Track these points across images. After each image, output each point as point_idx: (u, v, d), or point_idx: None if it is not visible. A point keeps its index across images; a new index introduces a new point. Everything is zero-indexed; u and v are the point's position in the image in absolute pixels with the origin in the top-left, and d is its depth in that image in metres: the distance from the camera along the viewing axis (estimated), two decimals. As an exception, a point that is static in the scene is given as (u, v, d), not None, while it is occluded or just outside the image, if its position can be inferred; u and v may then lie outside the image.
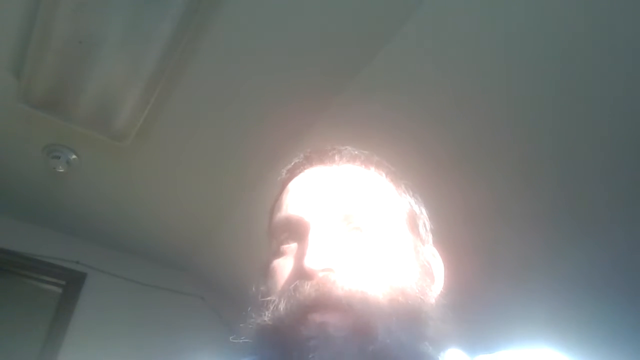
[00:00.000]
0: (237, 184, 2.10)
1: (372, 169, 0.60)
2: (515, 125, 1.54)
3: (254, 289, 0.58)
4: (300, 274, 0.48)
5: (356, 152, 0.61)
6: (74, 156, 2.06)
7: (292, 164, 0.64)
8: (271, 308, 0.50)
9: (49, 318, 2.50)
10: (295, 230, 0.54)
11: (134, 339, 2.51)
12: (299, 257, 0.50)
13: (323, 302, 0.46)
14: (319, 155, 0.61)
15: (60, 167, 2.06)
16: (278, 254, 0.55)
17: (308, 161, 0.62)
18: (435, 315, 0.51)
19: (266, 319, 0.49)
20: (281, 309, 0.48)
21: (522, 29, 1.31)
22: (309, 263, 0.47)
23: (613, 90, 1.36)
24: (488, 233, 1.86)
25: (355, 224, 0.52)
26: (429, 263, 0.58)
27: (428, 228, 0.62)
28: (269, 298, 0.51)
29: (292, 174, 0.62)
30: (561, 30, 1.28)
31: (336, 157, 0.60)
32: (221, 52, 1.55)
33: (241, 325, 0.54)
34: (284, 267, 0.53)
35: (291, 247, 0.54)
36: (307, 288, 0.47)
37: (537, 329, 1.54)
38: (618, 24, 1.22)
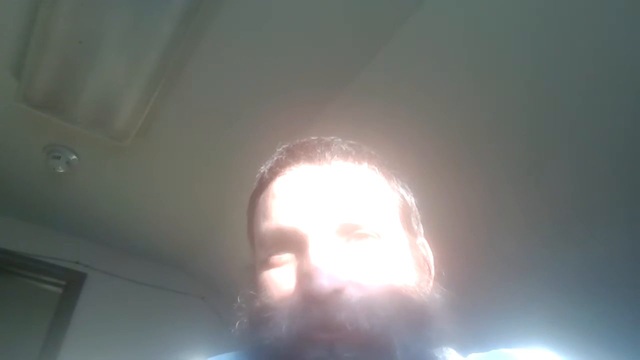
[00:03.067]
0: (237, 183, 2.09)
1: (365, 164, 0.55)
2: (515, 125, 1.54)
3: (240, 300, 0.54)
4: (308, 297, 0.45)
5: (346, 147, 0.56)
6: (74, 156, 2.06)
7: (274, 160, 0.57)
8: (271, 327, 0.46)
9: (49, 318, 2.50)
10: (289, 242, 0.50)
11: (134, 339, 2.52)
12: (303, 277, 0.47)
13: (334, 324, 0.44)
14: (305, 152, 0.55)
15: (60, 167, 2.06)
16: (269, 264, 0.51)
17: (293, 158, 0.55)
18: (439, 315, 0.50)
19: (264, 338, 0.46)
20: (284, 329, 0.45)
21: (522, 29, 1.31)
22: (317, 287, 0.44)
23: (614, 88, 1.36)
24: (487, 232, 1.86)
25: (354, 233, 0.49)
26: (424, 257, 0.57)
27: (419, 219, 0.59)
28: (267, 315, 0.48)
29: (274, 172, 0.56)
30: (562, 29, 1.28)
31: (326, 155, 0.54)
32: (221, 51, 1.55)
33: (235, 341, 0.52)
34: (280, 280, 0.49)
35: (284, 258, 0.50)
36: (316, 312, 0.44)
37: (535, 329, 1.54)
38: (615, 24, 1.22)
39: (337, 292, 0.45)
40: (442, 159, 1.67)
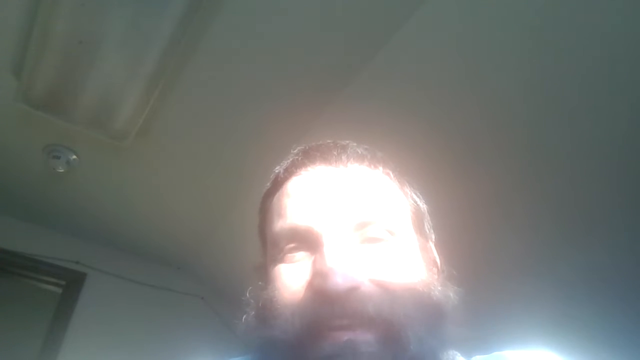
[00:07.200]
0: (237, 184, 2.10)
1: (380, 168, 0.56)
2: (515, 126, 1.54)
3: (248, 294, 0.54)
4: (321, 295, 0.45)
5: (361, 151, 0.57)
6: (74, 156, 2.06)
7: (290, 160, 0.57)
8: (282, 322, 0.46)
9: (49, 318, 2.50)
10: (303, 241, 0.50)
11: (134, 339, 2.51)
12: (316, 275, 0.46)
13: (351, 322, 0.44)
14: (321, 153, 0.56)
15: (60, 167, 2.06)
16: (281, 261, 0.51)
17: (309, 159, 0.55)
18: (451, 315, 0.50)
19: (277, 332, 0.46)
20: (297, 324, 0.45)
21: (521, 29, 1.31)
22: (331, 285, 0.44)
23: (615, 90, 1.36)
24: (487, 233, 1.86)
25: (369, 233, 0.50)
26: (434, 260, 0.58)
27: (431, 226, 0.60)
28: (278, 311, 0.48)
29: (290, 172, 0.56)
30: (562, 29, 1.28)
31: (343, 157, 0.55)
32: (221, 52, 1.55)
33: (241, 335, 0.52)
34: (293, 277, 0.49)
35: (298, 256, 0.50)
36: (329, 309, 0.44)
37: (535, 330, 1.54)
38: (615, 24, 1.22)
39: (353, 289, 0.45)
40: (442, 161, 1.67)
